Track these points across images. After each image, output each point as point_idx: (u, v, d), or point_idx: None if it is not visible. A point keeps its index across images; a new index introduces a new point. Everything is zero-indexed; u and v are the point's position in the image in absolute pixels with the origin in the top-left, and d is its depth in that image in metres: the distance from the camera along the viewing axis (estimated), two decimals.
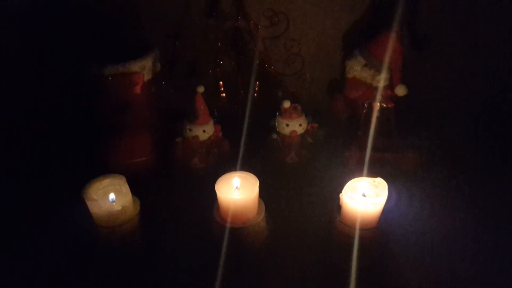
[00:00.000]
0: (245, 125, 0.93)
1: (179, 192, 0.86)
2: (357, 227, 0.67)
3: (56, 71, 1.00)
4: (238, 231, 0.68)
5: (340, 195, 0.70)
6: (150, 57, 0.91)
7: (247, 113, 0.98)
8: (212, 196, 0.70)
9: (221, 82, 1.06)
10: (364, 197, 0.67)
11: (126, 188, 0.70)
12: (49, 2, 0.95)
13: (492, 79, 1.00)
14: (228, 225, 0.68)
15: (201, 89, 0.88)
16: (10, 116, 0.96)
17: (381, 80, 0.91)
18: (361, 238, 0.67)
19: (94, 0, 0.99)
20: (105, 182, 0.69)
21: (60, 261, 0.71)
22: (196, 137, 0.89)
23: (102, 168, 0.76)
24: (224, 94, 1.06)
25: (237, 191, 0.69)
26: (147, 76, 0.91)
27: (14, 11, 0.92)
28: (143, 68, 0.89)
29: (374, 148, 0.90)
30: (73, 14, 0.97)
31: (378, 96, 0.92)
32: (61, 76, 1.00)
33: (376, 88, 0.92)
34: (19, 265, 0.71)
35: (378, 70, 0.91)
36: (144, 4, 1.01)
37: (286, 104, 0.90)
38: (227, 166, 0.78)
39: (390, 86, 0.90)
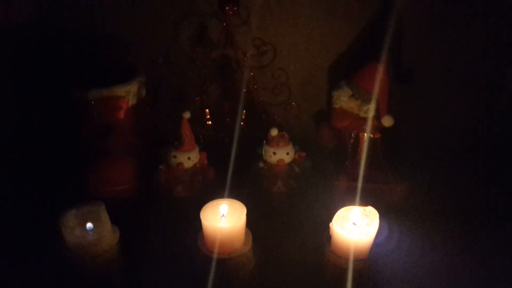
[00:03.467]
0: (232, 153, 0.91)
1: (161, 222, 0.82)
2: (351, 257, 0.64)
3: (40, 94, 0.98)
4: (225, 262, 0.65)
5: (330, 225, 0.68)
6: (136, 82, 0.89)
7: (234, 141, 0.96)
8: (197, 225, 0.67)
9: (207, 110, 1.04)
10: (355, 225, 0.65)
11: (105, 216, 0.66)
12: (35, 26, 0.94)
13: (480, 110, 1.02)
14: (214, 255, 0.64)
15: (187, 114, 0.86)
16: None
17: (368, 111, 0.91)
18: (353, 269, 0.65)
19: (80, 25, 0.98)
20: (84, 209, 0.65)
21: None
22: (181, 164, 0.87)
23: (83, 195, 0.73)
24: (210, 122, 1.04)
25: (224, 219, 0.66)
26: (131, 101, 0.89)
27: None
28: (128, 93, 0.87)
29: (361, 179, 0.89)
30: (59, 38, 0.95)
31: (365, 127, 0.92)
32: (45, 99, 0.98)
33: (362, 119, 0.92)
34: None
35: (365, 101, 0.91)
36: (131, 30, 1.01)
37: (274, 132, 0.89)
38: (213, 195, 0.74)
39: (377, 117, 0.91)
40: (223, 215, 0.66)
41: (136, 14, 0.99)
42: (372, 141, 0.91)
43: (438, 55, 0.99)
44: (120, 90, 0.86)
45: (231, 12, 0.92)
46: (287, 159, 0.90)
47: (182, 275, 0.68)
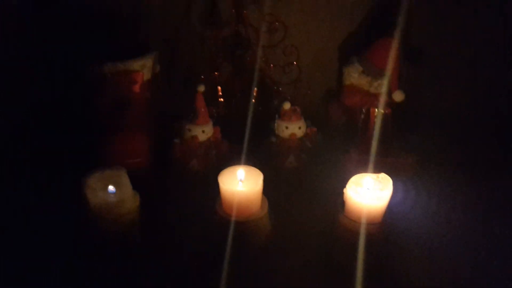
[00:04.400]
0: (247, 128, 0.92)
1: (178, 192, 0.84)
2: (363, 221, 0.66)
3: (55, 68, 0.99)
4: (242, 225, 0.66)
5: (344, 190, 0.69)
6: (150, 56, 0.90)
7: (246, 117, 0.97)
8: (212, 195, 0.69)
9: (219, 87, 1.05)
10: (368, 190, 0.67)
11: (126, 180, 0.68)
12: (50, 2, 0.95)
13: (490, 82, 1.03)
14: (232, 219, 0.66)
15: (201, 88, 0.88)
16: (7, 113, 0.95)
17: (379, 87, 0.92)
18: (367, 233, 0.66)
19: (94, 2, 0.99)
20: (106, 173, 0.67)
21: (56, 255, 0.68)
22: (195, 137, 0.88)
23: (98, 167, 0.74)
24: (222, 99, 1.06)
25: (241, 183, 0.67)
26: (146, 75, 0.90)
27: (14, 9, 0.92)
28: (143, 67, 0.89)
29: (373, 152, 0.90)
30: (74, 14, 0.97)
31: (376, 102, 0.93)
32: (61, 73, 0.99)
33: (373, 95, 0.93)
34: (14, 260, 0.68)
35: (375, 77, 0.92)
36: (143, 8, 1.02)
37: (287, 105, 0.90)
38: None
39: (387, 92, 0.92)
40: (240, 180, 0.67)
41: None
42: (382, 116, 0.93)
43: (448, 31, 0.99)
44: (135, 64, 0.87)
45: None
46: (299, 133, 0.92)
47: (201, 238, 0.70)
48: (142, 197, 0.71)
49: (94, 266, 0.66)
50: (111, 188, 0.66)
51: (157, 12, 1.02)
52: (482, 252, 0.70)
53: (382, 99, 0.92)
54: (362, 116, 0.95)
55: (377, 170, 0.89)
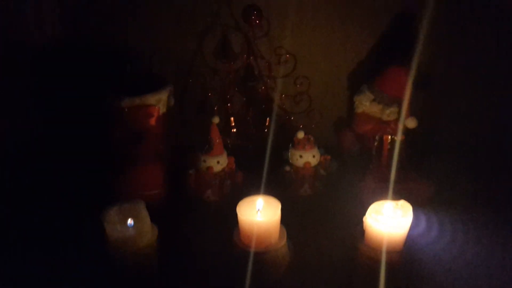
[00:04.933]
0: (258, 158, 0.93)
1: (194, 223, 0.84)
2: (384, 249, 0.65)
3: (76, 102, 1.03)
4: (261, 256, 0.66)
5: (364, 218, 0.69)
6: (165, 91, 0.92)
7: (259, 147, 0.98)
8: (229, 226, 0.70)
9: (232, 118, 1.07)
10: (388, 218, 0.67)
11: (144, 213, 0.68)
12: (73, 40, 0.99)
13: (505, 108, 1.03)
14: (251, 250, 0.66)
15: (216, 120, 0.89)
16: (28, 143, 0.97)
17: (391, 114, 0.93)
18: (388, 261, 0.65)
19: (109, 39, 1.03)
20: (124, 206, 0.68)
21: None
22: (210, 168, 0.89)
23: (115, 200, 0.74)
24: (235, 130, 1.07)
25: (260, 213, 0.67)
26: (162, 109, 0.92)
27: (40, 44, 0.96)
28: (159, 101, 0.90)
29: (387, 180, 0.90)
30: (94, 48, 1.02)
31: (389, 129, 0.94)
32: (80, 106, 1.02)
33: (385, 122, 0.94)
34: None
35: (387, 104, 0.93)
36: (157, 44, 1.05)
37: (300, 134, 0.91)
38: (241, 199, 0.76)
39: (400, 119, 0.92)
40: (258, 210, 0.67)
41: (161, 29, 1.04)
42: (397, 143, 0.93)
43: (461, 56, 1.01)
44: (151, 99, 0.89)
45: (255, 23, 0.96)
46: (313, 161, 0.92)
47: (220, 270, 0.69)
48: (159, 229, 0.71)
49: None
50: (130, 221, 0.66)
51: (171, 47, 1.06)
52: (499, 282, 0.68)
53: (396, 126, 0.92)
54: (376, 143, 0.96)
55: (394, 196, 0.89)
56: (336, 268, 0.71)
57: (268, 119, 1.07)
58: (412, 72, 0.96)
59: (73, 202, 0.89)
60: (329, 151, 0.98)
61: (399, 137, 0.91)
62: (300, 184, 0.93)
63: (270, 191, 0.91)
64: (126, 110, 0.87)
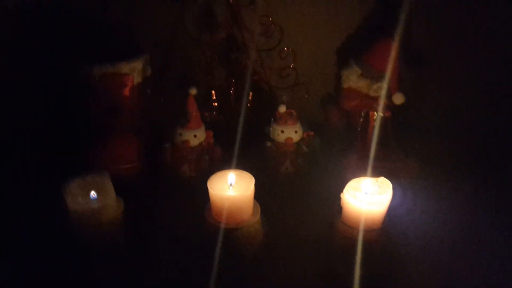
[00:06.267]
0: (238, 133, 0.89)
1: (167, 199, 0.81)
2: (361, 227, 0.62)
3: (45, 70, 0.97)
4: (232, 233, 0.63)
5: (341, 195, 0.66)
6: (141, 59, 0.87)
7: (240, 122, 0.94)
8: (203, 202, 0.66)
9: (213, 91, 1.03)
10: (366, 195, 0.63)
11: (109, 186, 0.64)
12: (43, 4, 0.93)
13: (491, 84, 1.00)
14: (221, 225, 0.62)
15: (193, 91, 0.85)
16: None
17: (378, 89, 0.89)
18: (365, 240, 0.62)
19: (87, 4, 0.98)
20: (88, 179, 0.64)
21: (36, 261, 0.65)
22: (187, 142, 0.85)
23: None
24: (216, 104, 1.03)
25: (232, 188, 0.64)
26: (136, 79, 0.87)
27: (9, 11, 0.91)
28: (133, 70, 0.86)
29: (372, 157, 0.86)
30: (65, 16, 0.95)
31: (375, 106, 0.90)
32: (50, 75, 0.97)
33: (372, 98, 0.90)
34: None
35: (375, 79, 0.89)
36: (136, 13, 1.00)
37: (282, 108, 0.87)
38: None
39: (387, 95, 0.89)
40: (231, 184, 0.64)
41: None
42: (382, 119, 0.89)
43: (448, 32, 0.97)
44: (124, 67, 0.84)
45: None
46: (296, 137, 0.88)
47: (189, 246, 0.66)
48: (131, 203, 0.68)
49: (76, 273, 0.62)
50: (93, 194, 0.62)
51: (151, 15, 1.00)
52: (483, 257, 0.66)
53: (382, 102, 0.89)
54: (361, 119, 0.92)
55: (376, 174, 0.86)
56: (313, 247, 0.69)
57: (251, 93, 1.02)
58: (401, 47, 0.93)
59: (42, 176, 0.85)
60: (313, 127, 0.94)
61: (380, 112, 0.88)
62: (281, 161, 0.90)
63: (250, 167, 0.88)
64: (97, 79, 0.82)
